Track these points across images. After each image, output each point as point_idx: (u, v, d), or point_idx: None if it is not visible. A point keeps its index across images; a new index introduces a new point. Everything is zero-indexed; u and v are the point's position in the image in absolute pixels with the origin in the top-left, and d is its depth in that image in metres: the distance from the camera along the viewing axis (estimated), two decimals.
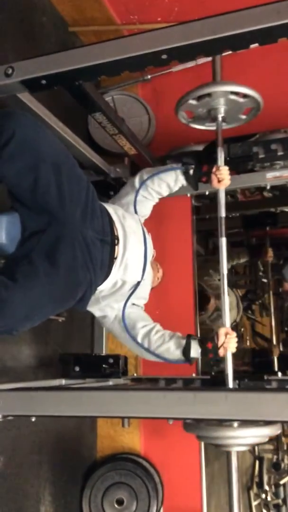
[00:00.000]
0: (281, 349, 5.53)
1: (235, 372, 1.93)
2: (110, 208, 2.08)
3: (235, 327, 4.06)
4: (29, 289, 1.60)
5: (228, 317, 1.95)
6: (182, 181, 2.19)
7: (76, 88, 1.99)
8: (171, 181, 2.19)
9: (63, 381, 2.44)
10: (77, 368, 2.55)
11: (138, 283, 2.09)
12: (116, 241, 1.99)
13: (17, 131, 1.64)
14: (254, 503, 5.06)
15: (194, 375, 2.81)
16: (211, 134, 2.32)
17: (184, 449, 2.80)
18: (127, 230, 2.05)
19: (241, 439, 1.70)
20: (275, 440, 5.21)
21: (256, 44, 1.74)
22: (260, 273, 5.03)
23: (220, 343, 1.92)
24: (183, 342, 2.01)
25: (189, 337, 2.03)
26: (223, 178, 2.08)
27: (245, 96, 2.02)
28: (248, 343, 5.64)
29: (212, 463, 4.12)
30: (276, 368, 3.50)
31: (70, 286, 1.76)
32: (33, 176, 1.69)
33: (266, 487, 5.15)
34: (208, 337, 2.00)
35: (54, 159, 1.74)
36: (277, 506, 5.18)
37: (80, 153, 2.51)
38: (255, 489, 5.16)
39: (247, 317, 5.35)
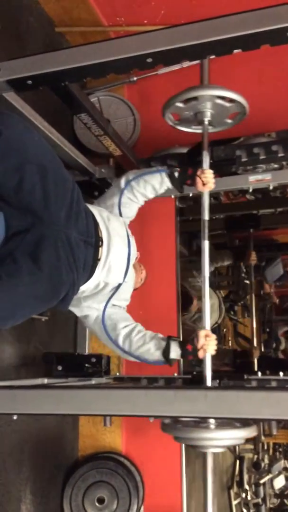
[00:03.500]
0: (262, 349, 5.61)
1: (215, 372, 1.95)
2: (95, 210, 2.09)
3: (217, 328, 4.10)
4: (12, 287, 1.61)
5: (208, 319, 1.95)
6: (167, 183, 2.18)
7: (62, 89, 2.00)
8: (156, 183, 2.18)
9: (45, 380, 2.45)
10: (59, 367, 2.57)
11: (120, 285, 2.11)
12: (100, 242, 2.00)
13: (4, 131, 1.65)
14: (234, 502, 5.10)
15: (175, 374, 2.84)
16: (195, 136, 2.34)
17: (165, 448, 2.82)
18: (111, 233, 2.06)
19: (217, 440, 1.72)
20: (255, 439, 5.27)
21: (240, 50, 1.78)
22: (243, 275, 5.09)
23: (199, 345, 1.93)
24: (163, 343, 2.02)
25: (169, 339, 2.04)
26: (208, 182, 2.08)
27: (231, 100, 2.02)
28: (230, 344, 5.70)
29: (193, 462, 4.15)
30: (256, 369, 3.54)
31: (53, 286, 1.76)
32: (18, 176, 1.69)
33: (246, 486, 5.19)
34: (188, 339, 2.01)
35: (40, 160, 1.74)
36: (257, 505, 5.23)
37: (65, 153, 2.52)
38: (235, 488, 5.20)
39: (230, 318, 5.40)
